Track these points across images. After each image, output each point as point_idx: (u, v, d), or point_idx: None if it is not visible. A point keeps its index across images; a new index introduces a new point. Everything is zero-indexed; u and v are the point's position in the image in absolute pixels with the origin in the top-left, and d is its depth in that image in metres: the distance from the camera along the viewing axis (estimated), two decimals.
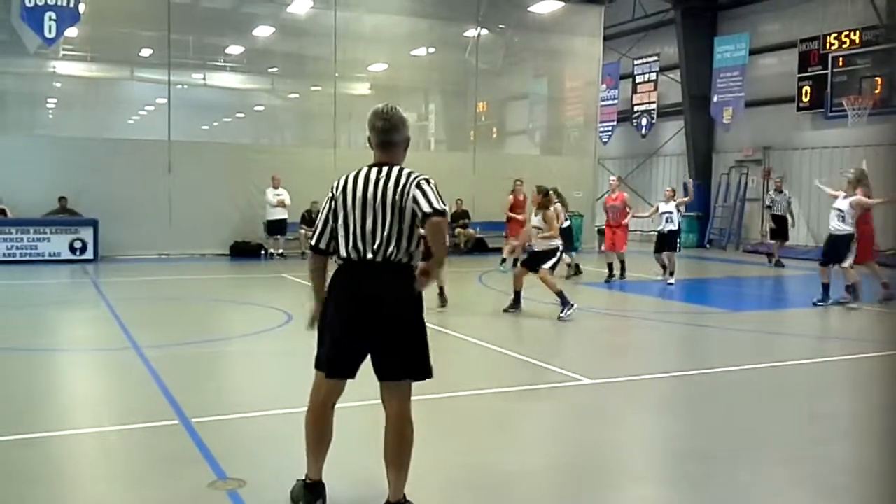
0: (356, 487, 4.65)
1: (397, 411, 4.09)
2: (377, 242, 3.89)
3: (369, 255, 3.91)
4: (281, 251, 18.54)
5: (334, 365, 4.10)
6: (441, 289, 11.20)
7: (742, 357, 8.41)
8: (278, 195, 18.19)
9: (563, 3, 23.13)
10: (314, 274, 4.18)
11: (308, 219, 19.06)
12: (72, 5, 16.48)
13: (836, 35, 20.79)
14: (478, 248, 20.95)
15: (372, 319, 3.91)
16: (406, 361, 4.01)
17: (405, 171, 3.98)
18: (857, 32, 20.25)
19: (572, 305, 10.44)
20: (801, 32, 21.91)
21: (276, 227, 18.39)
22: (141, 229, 17.67)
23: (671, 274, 14.61)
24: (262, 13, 21.37)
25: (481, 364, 8.14)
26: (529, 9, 22.84)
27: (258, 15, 21.41)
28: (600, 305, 12.52)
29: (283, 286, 14.24)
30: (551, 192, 11.46)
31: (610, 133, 27.61)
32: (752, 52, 23.00)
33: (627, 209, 15.38)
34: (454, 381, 7.29)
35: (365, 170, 4.04)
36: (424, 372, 4.09)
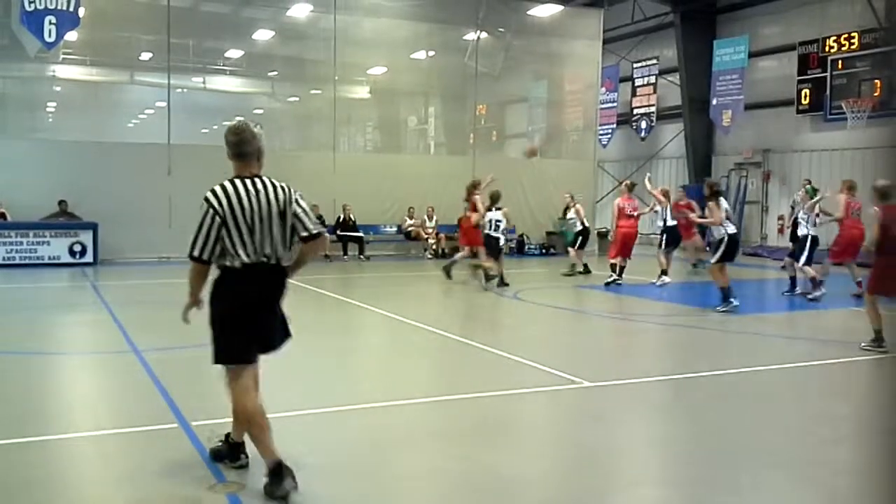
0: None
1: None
2: (269, 248, 4.54)
3: (264, 259, 4.53)
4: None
5: (250, 351, 4.69)
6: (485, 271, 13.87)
7: (741, 359, 8.41)
8: None
9: (562, 7, 23.17)
10: (198, 280, 4.66)
11: None
12: (71, 9, 16.52)
13: (835, 38, 20.83)
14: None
15: (268, 312, 4.70)
16: (284, 340, 4.95)
17: (280, 185, 4.68)
18: (856, 35, 20.29)
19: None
20: (800, 35, 21.95)
21: None
22: (141, 233, 17.67)
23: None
24: (262, 17, 21.40)
25: (480, 367, 8.14)
26: (529, 12, 22.87)
27: (258, 19, 21.45)
28: (601, 308, 12.53)
29: None
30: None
31: (609, 136, 27.62)
32: (752, 55, 23.03)
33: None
34: (452, 385, 7.30)
35: (240, 184, 4.56)
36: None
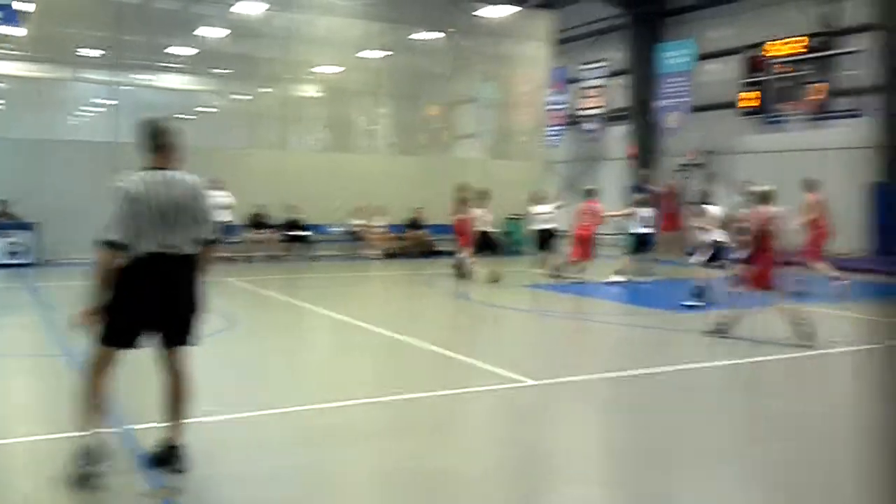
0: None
1: (182, 370, 4.95)
2: (175, 239, 4.68)
3: (169, 250, 4.66)
4: (226, 255, 18.35)
5: (130, 338, 4.81)
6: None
7: (682, 357, 8.59)
8: (223, 197, 18.00)
9: (512, 8, 23.34)
10: (108, 269, 4.71)
11: (255, 221, 18.95)
12: (11, 5, 16.16)
13: (777, 42, 21.33)
14: (428, 251, 21.03)
15: (172, 300, 4.77)
16: (193, 331, 4.93)
17: (188, 177, 4.84)
18: (798, 40, 20.80)
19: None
20: (745, 39, 22.41)
21: (221, 230, 18.16)
22: (86, 232, 17.07)
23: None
24: (212, 14, 21.16)
25: (424, 367, 8.20)
26: (479, 13, 23.01)
27: (207, 16, 21.19)
28: (547, 308, 12.67)
29: (228, 290, 14.12)
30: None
31: (558, 137, 27.90)
32: (697, 58, 23.46)
33: None
34: (397, 385, 7.35)
35: (154, 175, 4.74)
36: (197, 339, 5.01)
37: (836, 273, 13.59)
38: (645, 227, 15.61)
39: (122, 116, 18.61)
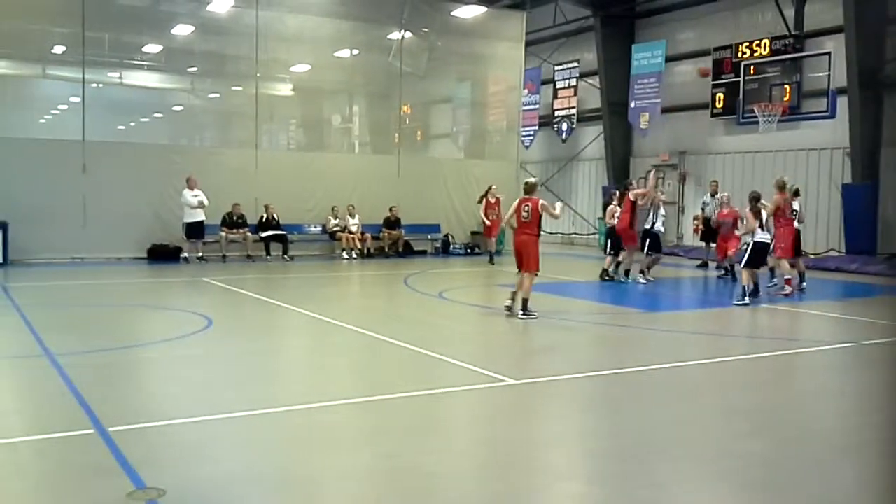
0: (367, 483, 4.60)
1: None
2: None
3: None
4: (200, 254, 18.18)
5: None
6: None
7: (660, 356, 8.64)
8: (196, 196, 17.83)
9: (485, 9, 23.36)
10: None
11: (229, 221, 18.77)
12: None
13: (747, 44, 21.58)
14: (405, 250, 21.00)
15: None
16: None
17: None
18: (767, 42, 21.06)
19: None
20: (715, 41, 22.66)
21: (194, 230, 17.99)
22: (54, 232, 17.10)
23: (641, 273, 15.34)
24: (182, 11, 20.90)
25: (406, 366, 8.16)
26: (452, 13, 23.00)
27: (177, 13, 20.92)
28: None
29: (203, 290, 13.99)
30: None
31: (532, 137, 28.01)
32: (669, 60, 23.68)
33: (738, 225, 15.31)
34: (378, 384, 7.31)
35: None
36: None
37: (791, 277, 13.88)
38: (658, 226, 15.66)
39: (90, 114, 18.34)
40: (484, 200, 19.50)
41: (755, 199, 12.96)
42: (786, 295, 13.47)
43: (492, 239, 19.60)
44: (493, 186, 19.65)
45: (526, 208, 10.94)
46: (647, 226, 15.52)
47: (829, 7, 19.59)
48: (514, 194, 23.28)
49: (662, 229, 15.79)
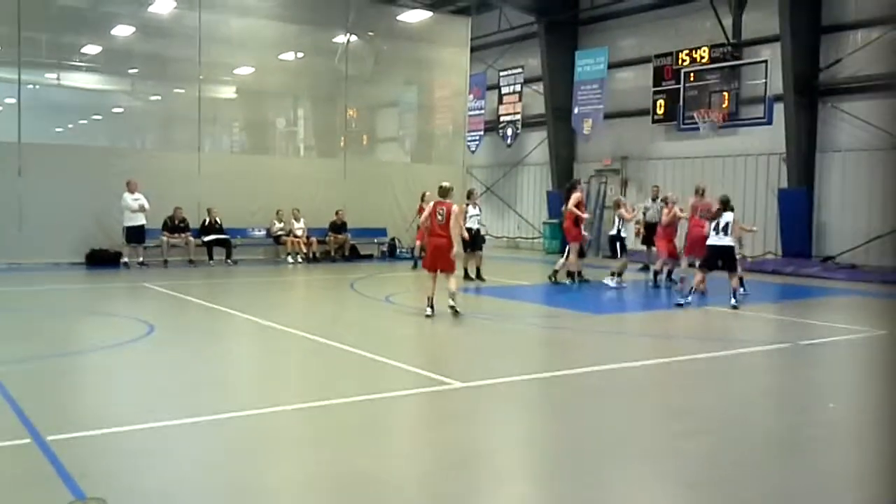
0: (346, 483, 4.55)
1: None
2: None
3: None
4: (141, 259, 17.83)
5: None
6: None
7: (604, 357, 8.76)
8: (137, 199, 17.50)
9: (430, 13, 23.44)
10: None
11: (171, 225, 18.46)
12: None
13: (687, 51, 22.04)
14: (351, 254, 20.91)
15: None
16: None
17: None
18: (706, 49, 21.54)
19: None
20: (656, 48, 23.09)
21: (135, 234, 17.65)
22: None
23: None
24: (122, 12, 20.50)
25: (352, 370, 8.13)
26: (398, 17, 23.04)
27: (117, 14, 20.52)
28: (469, 310, 12.73)
29: (144, 296, 13.73)
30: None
31: (477, 142, 28.18)
32: (611, 66, 24.05)
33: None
34: (324, 389, 7.26)
35: None
36: None
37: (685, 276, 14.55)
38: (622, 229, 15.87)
39: (27, 116, 17.87)
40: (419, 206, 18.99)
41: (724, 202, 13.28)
42: (679, 291, 14.22)
43: (418, 243, 18.75)
44: (427, 193, 18.60)
45: (441, 211, 11.33)
46: (613, 232, 15.77)
47: (766, 16, 20.12)
48: (458, 199, 23.47)
49: (624, 234, 16.06)
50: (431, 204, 11.66)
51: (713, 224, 13.01)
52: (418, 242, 18.57)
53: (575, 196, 15.55)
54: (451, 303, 11.26)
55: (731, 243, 12.84)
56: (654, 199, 19.16)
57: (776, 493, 4.86)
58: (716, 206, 13.23)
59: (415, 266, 18.35)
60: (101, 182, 18.03)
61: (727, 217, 12.92)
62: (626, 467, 5.24)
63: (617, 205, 16.21)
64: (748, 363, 9.02)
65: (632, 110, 24.06)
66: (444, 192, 11.50)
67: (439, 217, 11.31)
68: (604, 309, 13.24)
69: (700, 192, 15.27)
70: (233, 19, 20.80)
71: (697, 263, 13.62)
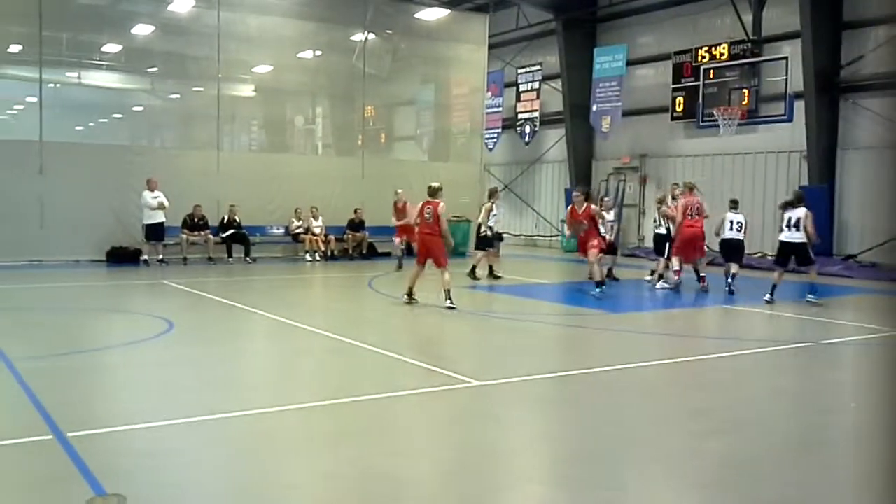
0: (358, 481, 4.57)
1: None
2: None
3: None
4: (161, 257, 17.94)
5: None
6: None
7: (621, 356, 8.72)
8: (156, 197, 17.61)
9: (448, 11, 23.41)
10: None
11: (190, 223, 18.56)
12: None
13: (706, 48, 21.88)
14: (369, 252, 20.94)
15: None
16: None
17: None
18: (726, 46, 21.38)
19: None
20: (675, 45, 22.94)
21: (155, 232, 17.77)
22: (9, 234, 16.78)
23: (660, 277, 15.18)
24: (142, 11, 20.65)
25: (370, 368, 8.14)
26: (416, 15, 23.01)
27: (137, 13, 20.67)
28: (488, 309, 12.73)
29: (164, 293, 13.82)
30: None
31: (495, 140, 28.11)
32: (630, 63, 23.90)
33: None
34: (342, 387, 7.28)
35: None
36: None
37: (674, 273, 14.57)
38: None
39: (47, 115, 18.04)
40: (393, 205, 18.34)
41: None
42: (664, 288, 14.46)
43: (397, 241, 18.03)
44: (400, 190, 18.42)
45: (428, 210, 12.01)
46: (663, 231, 15.40)
47: (787, 13, 19.94)
48: (478, 197, 23.46)
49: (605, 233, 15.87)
50: (420, 203, 12.26)
51: (784, 220, 12.79)
52: (397, 240, 17.98)
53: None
54: (448, 302, 11.61)
55: (803, 239, 12.71)
56: (673, 198, 19.05)
57: (795, 494, 4.82)
58: (786, 201, 13.18)
59: (399, 268, 17.22)
60: (121, 180, 18.16)
61: (798, 212, 12.69)
62: (644, 467, 5.22)
63: (661, 202, 15.64)
64: (768, 362, 8.95)
65: (651, 108, 23.92)
66: (433, 192, 12.13)
67: (427, 215, 11.97)
68: (621, 307, 13.19)
69: (690, 189, 14.84)
70: (251, 17, 20.87)
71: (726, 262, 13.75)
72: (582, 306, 13.09)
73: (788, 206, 12.97)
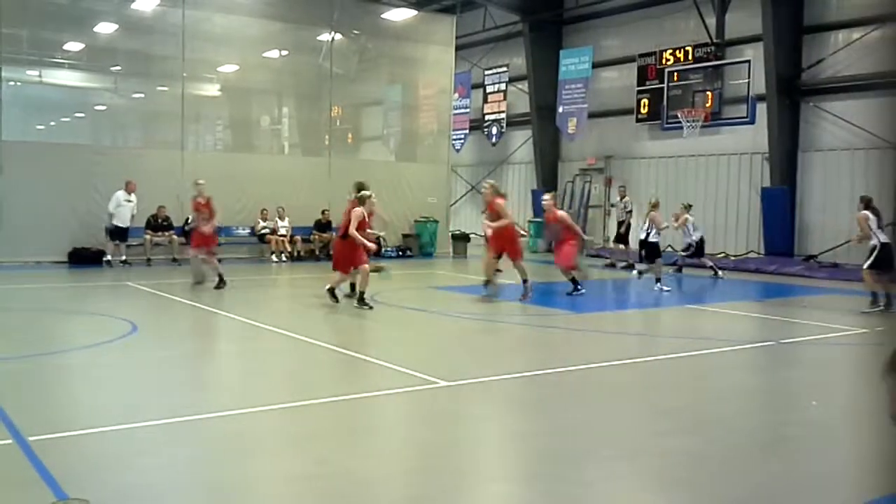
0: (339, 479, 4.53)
1: None
2: None
3: None
4: (124, 258, 17.71)
5: None
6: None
7: (587, 356, 8.79)
8: (130, 202, 17.46)
9: (415, 12, 23.42)
10: None
11: (154, 223, 18.35)
12: None
13: (670, 51, 22.14)
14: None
15: None
16: None
17: None
18: (690, 49, 21.65)
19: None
20: (640, 48, 23.18)
21: (119, 232, 17.55)
22: None
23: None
24: (105, 9, 20.36)
25: (337, 370, 8.12)
26: (383, 16, 23.00)
27: (100, 10, 20.37)
28: (456, 309, 12.75)
29: (127, 294, 13.66)
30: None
31: (462, 141, 28.18)
32: (595, 66, 24.12)
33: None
34: (309, 388, 7.25)
35: None
36: None
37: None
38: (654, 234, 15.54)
39: (6, 114, 17.73)
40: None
41: (867, 202, 12.82)
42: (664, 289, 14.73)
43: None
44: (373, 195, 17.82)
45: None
46: (643, 236, 15.68)
47: (749, 16, 20.24)
48: (446, 197, 23.50)
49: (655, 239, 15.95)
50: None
51: (876, 221, 12.51)
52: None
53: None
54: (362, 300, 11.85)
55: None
56: (621, 199, 20.14)
57: (759, 492, 4.89)
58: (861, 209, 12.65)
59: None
60: (83, 180, 17.90)
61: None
62: (609, 466, 5.27)
63: (654, 207, 15.60)
64: (731, 362, 9.07)
65: (616, 109, 24.15)
66: (359, 197, 12.35)
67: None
68: (587, 308, 13.28)
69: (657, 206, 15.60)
70: (217, 16, 20.69)
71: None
72: (551, 307, 13.17)
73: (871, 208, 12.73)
